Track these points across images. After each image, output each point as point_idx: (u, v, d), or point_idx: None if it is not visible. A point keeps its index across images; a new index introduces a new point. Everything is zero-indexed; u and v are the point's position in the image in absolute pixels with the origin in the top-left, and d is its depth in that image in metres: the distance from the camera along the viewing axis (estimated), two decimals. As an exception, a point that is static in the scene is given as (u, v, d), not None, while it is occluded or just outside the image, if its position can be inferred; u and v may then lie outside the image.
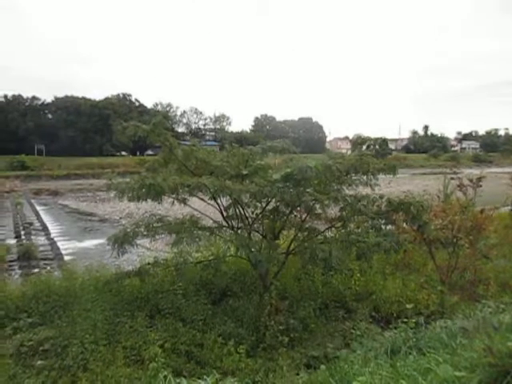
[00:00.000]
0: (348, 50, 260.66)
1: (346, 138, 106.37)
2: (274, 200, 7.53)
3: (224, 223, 7.96)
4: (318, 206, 7.53)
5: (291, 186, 7.02)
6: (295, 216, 8.26)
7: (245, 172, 7.47)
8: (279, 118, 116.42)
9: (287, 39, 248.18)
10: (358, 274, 9.06)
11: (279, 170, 7.41)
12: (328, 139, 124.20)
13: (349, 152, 9.71)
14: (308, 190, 7.17)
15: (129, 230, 7.03)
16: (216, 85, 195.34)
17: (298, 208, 7.77)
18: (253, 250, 6.98)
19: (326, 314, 8.03)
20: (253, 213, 8.08)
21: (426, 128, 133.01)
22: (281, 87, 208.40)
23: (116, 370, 5.50)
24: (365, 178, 7.84)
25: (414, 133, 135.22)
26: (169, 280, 8.22)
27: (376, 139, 8.49)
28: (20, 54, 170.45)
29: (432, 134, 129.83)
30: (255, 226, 8.13)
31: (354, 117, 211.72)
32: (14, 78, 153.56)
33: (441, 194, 13.22)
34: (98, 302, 7.31)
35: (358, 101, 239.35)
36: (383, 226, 7.99)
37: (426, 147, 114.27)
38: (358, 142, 8.54)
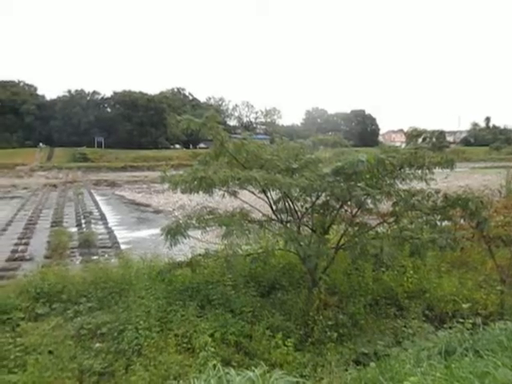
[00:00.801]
0: (403, 39, 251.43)
1: (401, 130, 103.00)
2: (324, 194, 7.45)
3: (273, 217, 7.98)
4: (369, 200, 7.37)
5: (342, 180, 6.91)
6: (345, 211, 8.13)
7: (295, 166, 7.43)
8: (331, 110, 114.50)
9: (338, 30, 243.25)
10: (411, 271, 8.78)
11: (330, 164, 7.31)
12: (381, 132, 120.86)
13: (403, 145, 9.42)
14: (359, 184, 7.03)
15: (181, 221, 7.22)
16: (268, 78, 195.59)
17: (349, 202, 7.64)
18: (302, 244, 6.96)
19: (376, 310, 7.87)
20: (302, 207, 8.04)
21: (487, 120, 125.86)
22: (333, 79, 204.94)
23: (168, 356, 5.69)
24: (420, 172, 7.57)
25: (475, 125, 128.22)
26: (219, 271, 8.37)
27: (433, 132, 8.15)
28: (82, 50, 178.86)
29: (494, 126, 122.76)
30: (304, 220, 8.08)
31: (409, 108, 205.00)
32: (77, 74, 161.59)
33: (503, 189, 12.54)
34: (152, 290, 7.58)
35: (414, 91, 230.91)
36: (439, 222, 7.70)
37: (488, 140, 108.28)
38: (413, 134, 8.25)
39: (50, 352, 5.85)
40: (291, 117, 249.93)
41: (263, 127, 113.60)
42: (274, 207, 8.11)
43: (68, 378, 5.26)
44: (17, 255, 16.39)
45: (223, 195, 7.62)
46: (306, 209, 7.95)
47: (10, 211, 28.43)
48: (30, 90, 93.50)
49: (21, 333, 6.51)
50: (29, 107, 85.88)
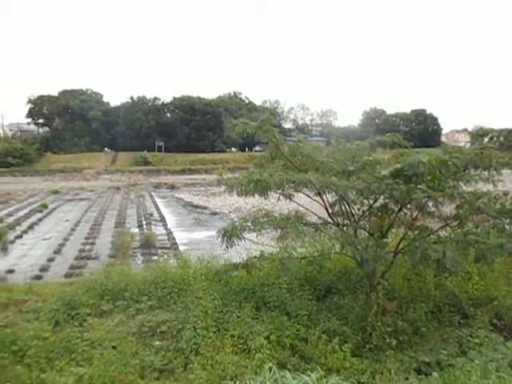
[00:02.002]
0: (467, 34, 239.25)
1: (465, 130, 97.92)
2: (382, 197, 7.26)
3: (329, 220, 7.88)
4: (430, 203, 7.08)
5: (401, 182, 6.70)
6: (405, 214, 7.86)
7: (351, 168, 7.30)
8: (390, 110, 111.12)
9: (395, 27, 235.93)
10: (477, 278, 8.33)
11: (388, 166, 7.12)
12: (444, 132, 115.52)
13: (467, 145, 8.97)
14: (420, 186, 6.77)
15: (237, 223, 7.31)
16: (324, 80, 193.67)
17: (409, 205, 7.39)
18: (359, 247, 6.81)
19: (438, 317, 7.53)
20: (359, 210, 7.87)
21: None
22: (392, 79, 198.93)
23: (225, 356, 5.76)
24: (486, 173, 7.17)
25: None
26: (274, 274, 8.38)
27: (500, 130, 7.70)
28: (144, 58, 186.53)
29: None
30: (361, 223, 7.91)
31: (474, 107, 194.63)
32: (140, 81, 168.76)
33: None
34: (209, 290, 7.73)
35: (480, 89, 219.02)
36: (507, 226, 7.25)
37: None
38: (478, 133, 7.85)
39: (114, 347, 6.12)
40: (348, 118, 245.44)
41: (319, 129, 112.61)
42: (330, 210, 8.01)
43: (131, 373, 5.47)
44: (84, 254, 17.37)
45: (278, 198, 7.63)
46: (363, 212, 7.78)
47: (78, 212, 30.18)
48: (97, 98, 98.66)
49: (88, 328, 6.88)
50: (95, 114, 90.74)
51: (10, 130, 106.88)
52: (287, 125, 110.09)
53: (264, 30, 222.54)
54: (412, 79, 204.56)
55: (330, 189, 6.83)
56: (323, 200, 7.80)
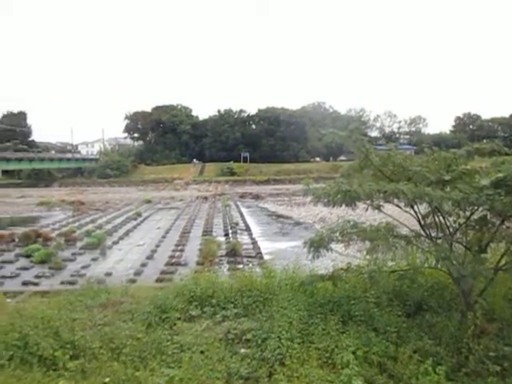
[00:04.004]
0: None
1: None
2: (480, 208, 6.73)
3: (421, 232, 7.47)
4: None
5: (503, 192, 6.16)
6: (507, 227, 7.21)
7: (447, 177, 6.86)
8: (485, 115, 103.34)
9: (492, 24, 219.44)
10: None
11: (488, 175, 6.59)
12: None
13: None
14: (526, 197, 6.17)
15: (324, 234, 7.20)
16: (412, 86, 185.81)
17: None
18: (454, 262, 6.36)
19: (548, 345, 6.76)
20: (455, 222, 7.36)
21: None
22: (487, 81, 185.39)
23: (310, 369, 5.66)
24: None
25: None
26: (361, 287, 8.11)
27: None
28: (230, 72, 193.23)
29: None
30: (457, 236, 7.39)
31: None
32: (227, 95, 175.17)
33: None
34: (294, 301, 7.67)
35: None
36: None
37: None
38: None
39: (202, 352, 6.29)
40: (438, 124, 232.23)
41: (407, 137, 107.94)
42: (423, 222, 7.59)
43: (217, 378, 5.58)
44: (174, 260, 18.24)
45: (367, 209, 7.40)
46: (460, 224, 7.26)
47: (168, 220, 31.83)
48: (186, 112, 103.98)
49: (177, 331, 7.15)
50: (185, 127, 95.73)
51: (109, 144, 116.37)
52: (373, 133, 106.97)
53: (347, 39, 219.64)
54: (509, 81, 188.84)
55: (423, 200, 6.48)
56: (415, 211, 7.42)
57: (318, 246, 6.90)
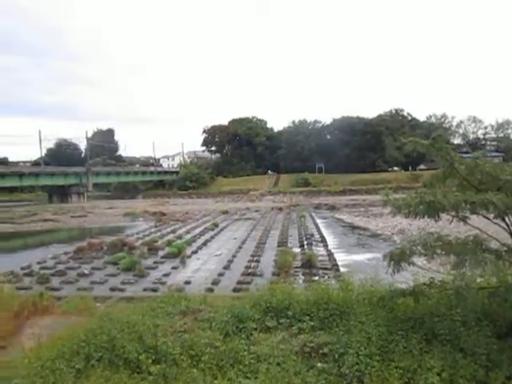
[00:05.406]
0: None
1: None
2: None
3: (515, 246, 6.87)
4: None
5: None
6: None
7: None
8: None
9: None
10: None
11: None
12: None
13: None
14: None
15: (406, 247, 6.89)
16: (499, 88, 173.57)
17: None
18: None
19: None
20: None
21: None
22: None
23: (391, 389, 5.42)
24: None
25: None
26: (445, 303, 7.61)
27: None
28: (304, 83, 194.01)
29: None
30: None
31: None
32: (301, 105, 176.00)
33: None
34: (372, 316, 7.40)
35: None
36: None
37: None
38: None
39: (278, 364, 6.27)
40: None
41: (494, 143, 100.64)
42: (515, 235, 6.99)
43: (294, 392, 5.53)
44: (250, 270, 18.45)
45: (451, 220, 6.97)
46: (559, 239, 6.59)
47: (244, 231, 32.36)
48: (261, 124, 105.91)
49: (254, 342, 7.19)
50: (260, 139, 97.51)
51: (189, 157, 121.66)
52: (456, 140, 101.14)
53: (424, 44, 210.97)
54: None
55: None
56: (507, 224, 6.86)
57: (398, 259, 6.61)
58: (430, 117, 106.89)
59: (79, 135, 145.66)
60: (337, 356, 6.51)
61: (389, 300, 7.64)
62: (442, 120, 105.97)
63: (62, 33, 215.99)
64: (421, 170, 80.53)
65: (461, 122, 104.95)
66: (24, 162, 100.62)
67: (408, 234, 27.92)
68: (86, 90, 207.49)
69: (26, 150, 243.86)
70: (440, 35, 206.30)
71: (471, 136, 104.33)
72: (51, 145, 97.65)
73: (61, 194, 77.67)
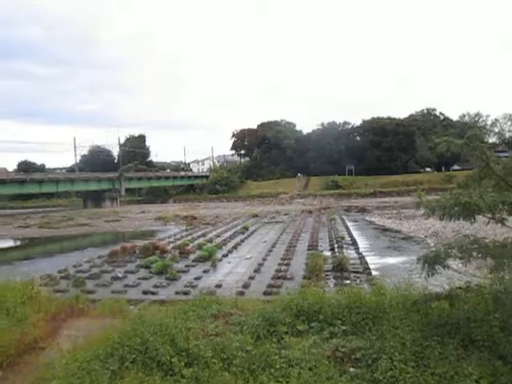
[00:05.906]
0: None
1: None
2: None
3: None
4: None
5: None
6: None
7: None
8: None
9: None
10: None
11: None
12: None
13: None
14: None
15: (441, 250, 6.71)
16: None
17: None
18: None
19: None
20: None
21: None
22: None
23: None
24: None
25: None
26: (482, 308, 7.36)
27: None
28: (334, 84, 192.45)
29: None
30: None
31: None
32: (329, 107, 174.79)
33: None
34: (406, 321, 7.24)
35: None
36: None
37: None
38: None
39: (310, 369, 6.21)
40: None
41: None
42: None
43: (327, 398, 5.46)
44: (280, 274, 18.40)
45: (488, 222, 6.75)
46: None
47: (274, 234, 32.33)
48: (290, 127, 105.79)
49: (285, 345, 7.16)
50: (289, 142, 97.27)
51: (218, 161, 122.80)
52: (491, 139, 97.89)
53: (457, 43, 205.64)
54: None
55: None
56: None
57: (433, 262, 6.44)
58: (464, 116, 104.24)
59: (112, 141, 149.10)
60: (370, 361, 6.39)
61: (423, 304, 7.46)
62: (476, 119, 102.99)
63: (98, 42, 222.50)
64: (454, 170, 78.50)
65: (496, 120, 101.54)
66: (60, 169, 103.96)
67: (442, 236, 27.27)
68: (119, 97, 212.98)
69: (61, 157, 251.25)
70: (473, 31, 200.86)
71: (507, 134, 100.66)
72: (85, 151, 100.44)
73: (95, 199, 79.67)
